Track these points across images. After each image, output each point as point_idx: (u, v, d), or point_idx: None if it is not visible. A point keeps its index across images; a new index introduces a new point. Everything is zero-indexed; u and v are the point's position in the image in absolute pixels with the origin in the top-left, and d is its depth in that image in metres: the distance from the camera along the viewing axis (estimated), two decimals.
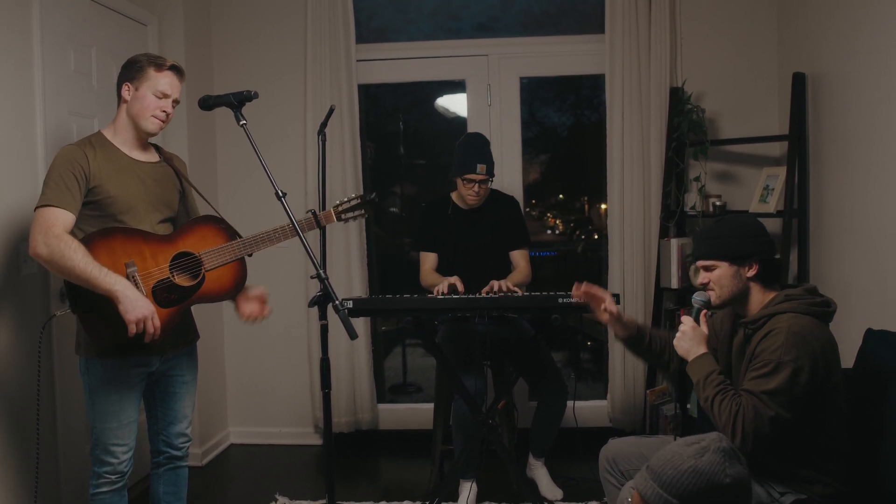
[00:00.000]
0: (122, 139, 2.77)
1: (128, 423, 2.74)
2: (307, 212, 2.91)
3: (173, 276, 2.71)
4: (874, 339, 2.70)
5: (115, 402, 2.70)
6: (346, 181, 4.53)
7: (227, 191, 4.77)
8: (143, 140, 2.83)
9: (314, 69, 4.55)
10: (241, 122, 2.74)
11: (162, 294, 2.68)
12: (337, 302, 2.64)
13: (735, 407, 2.30)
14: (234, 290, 2.86)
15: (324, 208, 3.67)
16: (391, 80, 4.92)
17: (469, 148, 3.80)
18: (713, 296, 2.55)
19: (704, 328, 2.58)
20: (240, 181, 4.74)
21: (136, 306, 2.50)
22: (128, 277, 2.60)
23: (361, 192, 3.07)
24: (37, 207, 2.57)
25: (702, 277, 2.57)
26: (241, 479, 4.33)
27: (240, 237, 2.84)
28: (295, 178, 4.59)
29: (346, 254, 4.59)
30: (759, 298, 2.50)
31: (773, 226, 4.37)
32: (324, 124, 3.54)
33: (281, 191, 2.72)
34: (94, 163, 2.64)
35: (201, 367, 4.39)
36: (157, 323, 2.55)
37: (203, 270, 2.76)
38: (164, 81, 2.74)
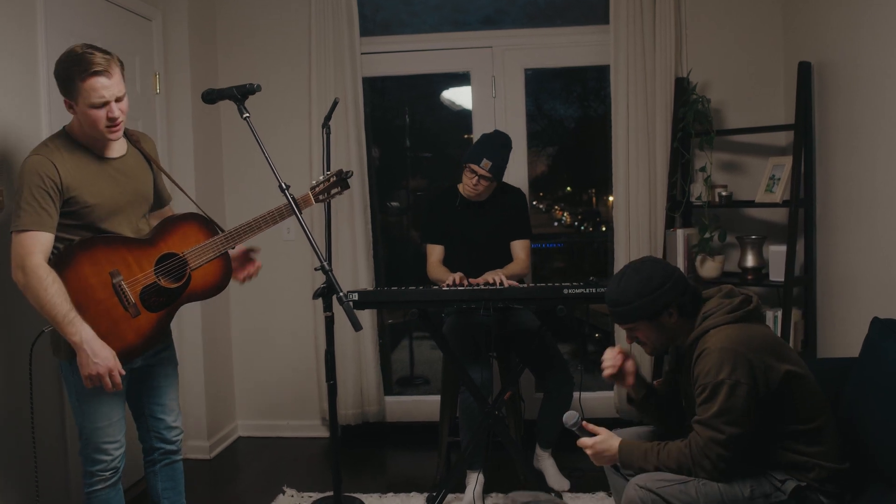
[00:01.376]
0: (87, 141, 2.63)
1: (118, 420, 2.71)
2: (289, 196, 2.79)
3: (159, 279, 2.68)
4: (881, 328, 2.69)
5: (104, 402, 2.66)
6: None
7: (233, 183, 4.78)
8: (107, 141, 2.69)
9: (318, 62, 4.55)
10: (245, 115, 2.74)
11: (151, 299, 2.66)
12: (341, 294, 2.64)
13: (685, 449, 2.34)
14: (222, 285, 2.83)
15: (328, 202, 3.68)
16: (395, 72, 4.92)
17: (485, 141, 3.79)
18: (647, 349, 2.59)
19: (600, 430, 2.56)
20: (245, 173, 4.75)
21: (93, 363, 2.47)
22: (114, 287, 2.58)
23: (335, 170, 3.01)
24: (14, 231, 2.48)
25: (630, 338, 2.60)
26: (249, 471, 4.35)
27: (221, 231, 2.81)
28: (300, 171, 4.60)
29: (352, 246, 4.59)
30: (689, 329, 2.52)
31: (779, 215, 4.37)
32: (328, 117, 3.56)
33: (284, 183, 2.72)
34: (64, 172, 2.51)
35: (210, 360, 4.47)
36: (118, 378, 2.52)
37: (188, 270, 2.73)
38: (94, 89, 2.49)
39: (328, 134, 3.57)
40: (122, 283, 2.59)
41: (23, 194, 2.48)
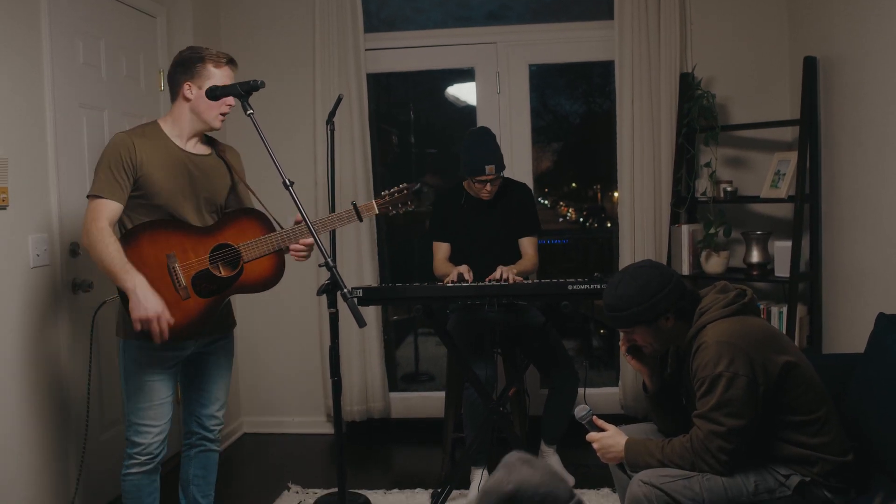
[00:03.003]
0: (178, 132, 2.82)
1: (159, 405, 2.78)
2: (351, 203, 2.91)
3: (213, 267, 2.76)
4: (886, 324, 2.68)
5: (147, 383, 2.75)
6: (356, 170, 4.54)
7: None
8: (202, 134, 2.89)
9: (322, 59, 4.55)
10: (249, 112, 2.73)
11: (202, 284, 2.75)
12: (345, 290, 2.63)
13: (687, 444, 2.33)
14: (273, 280, 2.91)
15: (332, 197, 3.69)
16: (400, 69, 4.92)
17: (475, 148, 3.74)
18: (647, 350, 2.58)
19: (608, 427, 2.57)
20: (250, 171, 4.70)
21: (143, 306, 2.56)
22: (168, 269, 2.69)
23: (406, 183, 3.04)
24: (89, 196, 2.67)
25: (627, 340, 2.60)
26: (254, 467, 4.36)
27: (281, 228, 2.88)
28: (305, 168, 4.60)
29: (356, 243, 4.59)
30: (687, 328, 2.50)
31: (784, 211, 4.36)
32: (332, 114, 3.55)
33: (288, 179, 2.72)
34: (141, 152, 2.70)
35: None
36: (165, 326, 2.59)
37: (242, 262, 2.81)
38: (228, 76, 2.80)
39: (332, 130, 3.57)
40: (177, 265, 2.71)
41: (102, 164, 2.69)
